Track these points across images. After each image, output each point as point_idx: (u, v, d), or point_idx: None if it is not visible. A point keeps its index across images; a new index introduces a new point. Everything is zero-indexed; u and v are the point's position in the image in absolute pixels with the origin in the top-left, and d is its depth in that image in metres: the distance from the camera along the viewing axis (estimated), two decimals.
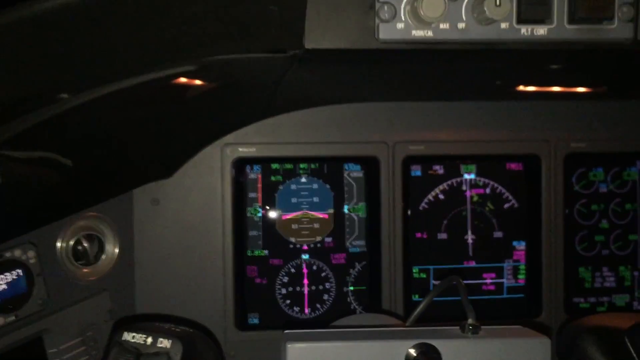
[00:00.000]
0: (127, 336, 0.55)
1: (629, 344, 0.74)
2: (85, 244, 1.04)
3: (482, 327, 0.68)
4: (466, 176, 1.27)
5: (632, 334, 0.75)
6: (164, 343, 0.55)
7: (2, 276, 0.90)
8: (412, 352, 0.62)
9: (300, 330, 0.66)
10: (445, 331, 0.68)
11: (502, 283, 1.28)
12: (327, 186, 1.24)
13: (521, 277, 1.28)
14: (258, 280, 1.22)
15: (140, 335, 0.55)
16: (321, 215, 1.23)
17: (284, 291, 1.23)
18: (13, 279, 0.91)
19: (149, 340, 0.55)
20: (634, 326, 0.76)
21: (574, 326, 0.82)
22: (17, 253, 0.92)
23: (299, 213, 1.23)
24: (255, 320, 1.22)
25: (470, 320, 0.68)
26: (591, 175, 1.28)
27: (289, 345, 0.62)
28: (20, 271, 0.92)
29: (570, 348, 0.78)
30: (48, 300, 0.96)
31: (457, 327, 0.69)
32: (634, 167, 1.28)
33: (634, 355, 0.74)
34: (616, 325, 0.77)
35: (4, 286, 0.90)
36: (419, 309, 0.75)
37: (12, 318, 0.91)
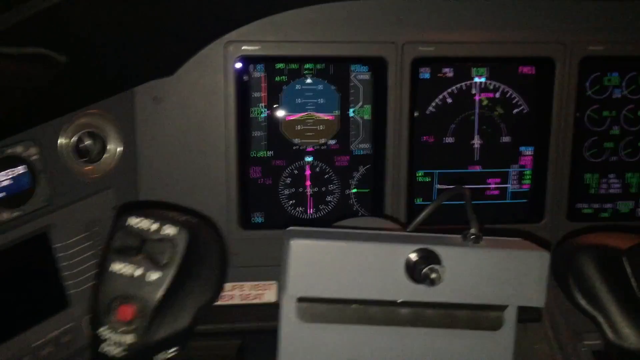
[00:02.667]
0: (132, 221, 0.55)
1: (626, 264, 0.74)
2: (88, 142, 1.04)
3: (484, 237, 0.68)
4: (476, 79, 1.23)
5: (630, 254, 0.75)
6: (169, 230, 0.55)
7: (5, 172, 0.90)
8: (413, 256, 0.63)
9: (303, 228, 0.66)
10: (447, 239, 0.68)
11: (507, 188, 1.27)
12: (333, 87, 1.21)
13: (526, 182, 1.27)
14: (262, 181, 1.22)
15: (145, 220, 0.55)
16: (326, 117, 1.21)
17: (287, 192, 1.23)
18: (16, 175, 0.91)
19: (154, 226, 0.55)
20: (633, 246, 0.75)
21: (572, 243, 0.82)
22: (19, 149, 0.92)
23: (303, 114, 1.21)
24: (259, 220, 1.24)
25: (472, 230, 0.67)
26: (606, 80, 1.24)
27: (291, 242, 0.62)
28: (23, 167, 0.92)
29: (567, 264, 0.78)
30: (52, 197, 0.97)
31: (459, 236, 0.69)
32: None
33: (630, 274, 0.74)
34: (615, 245, 0.77)
35: (8, 182, 0.90)
36: (421, 216, 0.75)
37: (18, 213, 0.92)
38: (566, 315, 1.21)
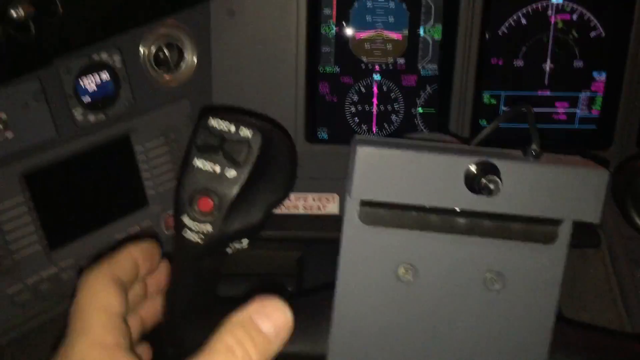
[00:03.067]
0: (213, 122, 0.59)
1: None
2: (166, 52, 1.08)
3: (545, 153, 0.69)
4: (553, 0, 1.19)
5: None
6: (246, 133, 0.59)
7: (92, 77, 0.96)
8: (473, 167, 0.65)
9: (370, 137, 0.69)
10: (507, 153, 0.69)
11: (575, 113, 1.26)
12: (404, 6, 1.20)
13: (596, 108, 1.25)
14: (328, 97, 1.25)
15: (224, 122, 0.59)
16: (395, 36, 1.22)
17: (353, 109, 1.26)
18: (102, 80, 0.98)
19: (232, 128, 0.59)
20: None
21: (632, 165, 0.82)
22: (104, 56, 0.98)
23: (372, 32, 1.21)
24: (325, 135, 1.28)
25: (533, 146, 0.69)
26: None
27: (358, 148, 0.65)
28: (108, 73, 0.99)
29: (626, 185, 0.79)
30: (134, 103, 1.03)
31: (520, 151, 0.70)
32: None
33: None
34: None
35: (94, 86, 0.97)
36: (485, 131, 0.76)
37: (103, 116, 0.99)
38: (625, 243, 1.22)
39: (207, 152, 0.60)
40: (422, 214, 0.68)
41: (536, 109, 1.24)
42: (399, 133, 1.27)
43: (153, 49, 1.06)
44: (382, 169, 0.65)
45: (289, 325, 0.50)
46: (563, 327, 0.78)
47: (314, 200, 1.29)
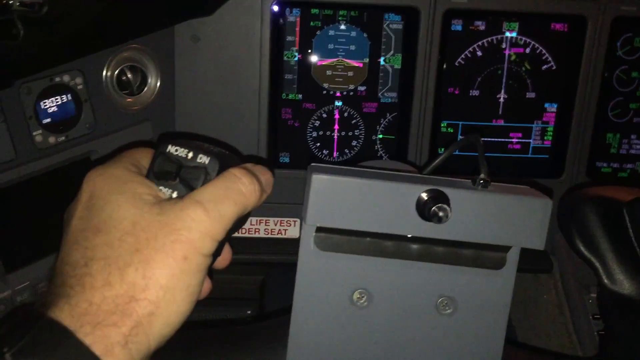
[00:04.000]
0: (171, 149, 0.60)
1: (625, 216, 0.78)
2: (129, 75, 1.09)
3: (492, 183, 0.72)
4: (507, 34, 1.24)
5: (630, 206, 0.78)
6: (203, 159, 0.60)
7: (53, 99, 0.96)
8: (424, 196, 0.67)
9: (325, 165, 0.71)
10: (457, 182, 0.72)
11: (529, 143, 1.30)
12: (365, 35, 1.24)
13: (548, 138, 1.30)
14: (290, 123, 1.27)
15: (182, 149, 0.60)
16: (356, 64, 1.25)
17: (315, 134, 1.28)
18: (63, 102, 0.98)
19: (190, 155, 0.60)
20: (634, 200, 0.79)
21: (577, 194, 0.86)
22: (66, 78, 0.98)
23: (334, 60, 1.24)
24: (286, 160, 1.29)
25: (482, 175, 0.71)
26: (637, 41, 1.24)
27: (313, 176, 0.67)
28: (69, 95, 0.99)
29: (571, 213, 0.82)
30: (95, 125, 1.04)
31: (469, 180, 0.73)
32: None
33: (629, 225, 0.78)
34: (617, 197, 0.81)
35: (55, 108, 0.97)
36: (437, 161, 0.79)
37: (63, 138, 0.99)
38: (575, 268, 1.26)
39: (164, 178, 0.60)
40: (376, 240, 0.70)
41: (492, 139, 1.28)
42: (359, 158, 1.29)
43: (116, 72, 1.07)
44: (336, 196, 0.67)
45: (272, 182, 0.62)
46: (514, 350, 0.80)
47: (275, 224, 1.30)
